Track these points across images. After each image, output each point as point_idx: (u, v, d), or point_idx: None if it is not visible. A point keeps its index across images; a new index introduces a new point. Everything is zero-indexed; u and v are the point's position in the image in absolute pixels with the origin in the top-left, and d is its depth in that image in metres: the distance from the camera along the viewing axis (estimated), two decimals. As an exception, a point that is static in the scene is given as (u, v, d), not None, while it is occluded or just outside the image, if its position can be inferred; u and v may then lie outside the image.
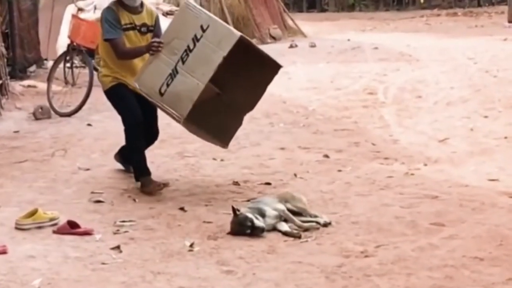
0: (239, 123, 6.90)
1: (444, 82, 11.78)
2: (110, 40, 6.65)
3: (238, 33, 6.18)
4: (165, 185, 6.60)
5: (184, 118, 6.22)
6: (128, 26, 6.71)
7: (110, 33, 6.63)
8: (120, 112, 6.82)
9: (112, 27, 6.63)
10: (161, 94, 6.30)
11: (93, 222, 5.85)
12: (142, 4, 6.86)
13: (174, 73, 6.27)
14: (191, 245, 5.29)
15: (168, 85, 6.27)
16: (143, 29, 6.81)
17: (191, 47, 6.24)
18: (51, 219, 5.76)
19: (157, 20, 6.94)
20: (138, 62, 6.71)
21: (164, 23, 13.12)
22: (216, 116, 6.80)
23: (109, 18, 6.66)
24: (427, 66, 13.41)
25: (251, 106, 6.90)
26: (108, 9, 6.73)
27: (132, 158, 6.83)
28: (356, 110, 10.12)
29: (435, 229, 5.55)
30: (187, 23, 6.33)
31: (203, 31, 6.22)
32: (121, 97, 6.75)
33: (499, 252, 5.06)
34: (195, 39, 6.24)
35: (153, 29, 6.85)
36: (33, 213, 5.76)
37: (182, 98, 6.21)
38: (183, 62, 6.25)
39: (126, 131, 6.74)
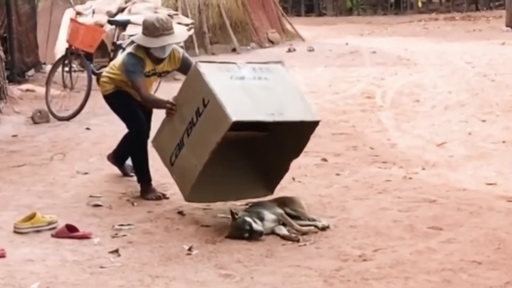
0: (285, 168, 6.25)
1: (442, 86, 11.80)
2: (133, 81, 6.43)
3: (231, 118, 5.44)
4: (164, 196, 6.59)
5: (185, 197, 5.95)
6: (150, 73, 6.60)
7: (135, 74, 6.41)
8: (124, 118, 6.78)
9: (135, 70, 6.41)
10: (171, 164, 5.97)
11: (91, 225, 5.85)
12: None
13: (181, 145, 5.84)
14: (190, 249, 5.29)
15: (176, 156, 5.90)
16: (163, 74, 6.78)
17: (194, 120, 5.73)
18: (50, 223, 5.76)
19: (183, 61, 6.67)
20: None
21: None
22: (260, 160, 6.27)
23: (136, 66, 6.40)
24: (425, 70, 13.43)
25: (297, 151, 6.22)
26: (135, 57, 6.44)
27: (136, 162, 6.83)
28: (354, 114, 10.13)
29: (433, 233, 5.56)
30: (194, 91, 5.78)
31: (204, 106, 5.65)
32: (125, 103, 6.72)
33: (497, 256, 5.07)
34: (198, 113, 5.70)
35: (180, 69, 6.69)
36: (31, 217, 5.76)
37: (185, 175, 5.85)
38: (188, 135, 5.78)
39: (132, 137, 6.75)
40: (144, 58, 6.48)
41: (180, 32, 6.96)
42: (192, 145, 5.75)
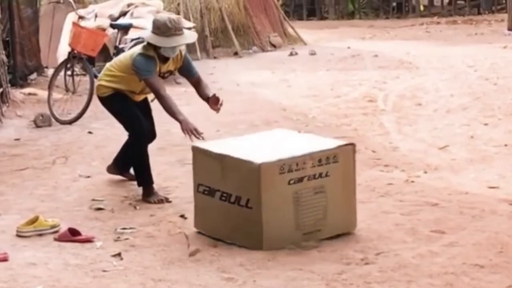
0: None
1: (444, 89, 11.80)
2: (147, 79, 6.42)
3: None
4: (167, 200, 6.60)
5: None
6: (162, 74, 6.66)
7: (148, 73, 6.40)
8: (124, 121, 6.80)
9: (149, 69, 6.40)
10: None
11: (93, 229, 5.86)
12: None
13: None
14: (192, 253, 5.29)
15: None
16: (166, 75, 6.77)
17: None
18: (52, 227, 5.77)
19: (185, 59, 6.72)
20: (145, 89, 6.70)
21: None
22: None
23: (151, 66, 6.40)
24: (427, 74, 13.43)
25: None
26: (148, 57, 6.42)
27: (137, 165, 6.83)
28: (356, 118, 10.13)
29: (435, 237, 5.56)
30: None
31: None
32: (124, 105, 6.73)
33: (499, 259, 5.07)
34: None
35: (181, 67, 6.73)
36: (34, 220, 5.77)
37: None
38: None
39: (133, 139, 6.76)
40: (155, 57, 6.48)
41: (190, 33, 7.00)
42: None
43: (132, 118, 6.73)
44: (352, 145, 5.68)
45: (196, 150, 5.81)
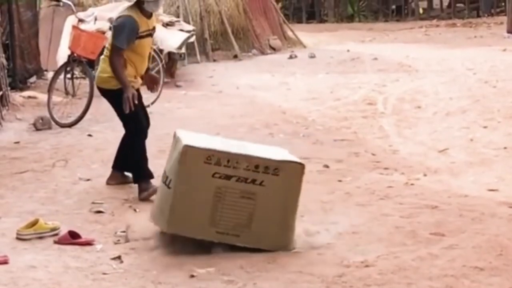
0: None
1: (443, 92, 11.81)
2: (118, 48, 6.72)
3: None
4: None
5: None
6: (146, 33, 6.86)
7: (122, 43, 6.71)
8: (127, 116, 6.85)
9: (127, 38, 6.70)
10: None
11: (93, 232, 5.86)
12: None
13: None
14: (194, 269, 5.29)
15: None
16: (152, 32, 7.02)
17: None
18: (52, 229, 5.77)
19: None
20: (143, 67, 6.97)
21: (164, 33, 13.15)
22: None
23: (129, 28, 6.71)
24: (426, 77, 13.44)
25: None
26: (129, 18, 6.74)
27: (136, 160, 6.89)
28: (355, 121, 10.14)
29: (435, 239, 5.56)
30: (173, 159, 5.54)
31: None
32: (141, 105, 6.97)
33: (499, 262, 5.08)
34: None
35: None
36: (34, 223, 5.78)
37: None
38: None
39: (134, 134, 6.86)
40: (138, 17, 6.74)
41: None
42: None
43: (134, 114, 6.81)
44: (301, 165, 5.41)
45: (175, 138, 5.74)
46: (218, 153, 5.27)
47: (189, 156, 5.27)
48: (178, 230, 5.32)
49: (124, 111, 6.77)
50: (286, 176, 5.32)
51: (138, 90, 6.97)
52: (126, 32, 6.71)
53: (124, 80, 6.72)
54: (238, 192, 5.29)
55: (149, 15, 6.89)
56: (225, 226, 5.31)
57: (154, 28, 7.05)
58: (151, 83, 7.30)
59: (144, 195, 6.68)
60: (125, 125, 6.97)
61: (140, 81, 7.08)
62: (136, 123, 6.85)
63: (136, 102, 6.71)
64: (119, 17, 6.89)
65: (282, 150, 5.77)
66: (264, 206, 5.31)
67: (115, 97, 6.86)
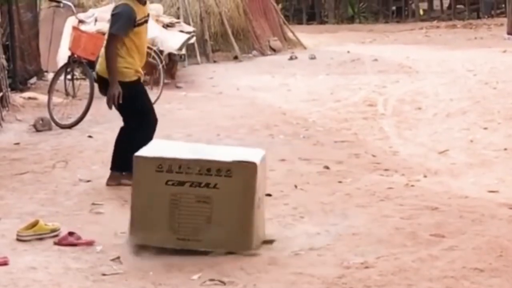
0: None
1: (444, 93, 11.81)
2: (115, 36, 6.84)
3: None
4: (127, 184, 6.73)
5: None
6: (143, 20, 6.99)
7: (120, 30, 6.85)
8: (138, 108, 7.01)
9: (124, 25, 6.83)
10: None
11: (94, 233, 5.85)
12: None
13: None
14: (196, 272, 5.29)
15: None
16: (147, 18, 7.15)
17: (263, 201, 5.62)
18: (52, 231, 5.77)
19: None
20: (143, 57, 7.13)
21: (164, 34, 13.14)
22: None
23: (126, 16, 6.84)
24: (427, 78, 13.44)
25: None
26: (126, 6, 6.88)
27: (123, 150, 6.95)
28: (356, 122, 10.14)
29: (435, 240, 5.56)
30: None
31: None
32: (144, 93, 7.15)
33: (499, 263, 5.08)
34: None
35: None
36: (34, 224, 5.77)
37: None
38: None
39: (134, 130, 6.95)
40: (135, 5, 6.88)
41: None
42: None
43: (147, 104, 7.11)
44: (253, 164, 5.32)
45: None
46: (169, 160, 5.30)
47: (140, 166, 5.35)
48: (141, 240, 5.37)
49: (138, 105, 6.97)
50: (239, 177, 5.30)
51: (139, 79, 7.12)
52: (124, 20, 6.85)
53: (114, 72, 6.85)
54: (193, 197, 5.30)
55: (144, 2, 7.05)
56: (184, 232, 5.32)
57: (148, 15, 7.19)
58: (150, 68, 7.67)
59: (109, 183, 6.98)
60: (128, 119, 7.00)
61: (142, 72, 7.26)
62: (148, 114, 7.04)
63: (121, 101, 6.86)
64: (116, 6, 7.03)
65: (254, 152, 5.70)
66: (220, 208, 5.30)
67: (131, 89, 6.96)
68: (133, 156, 5.40)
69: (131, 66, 6.99)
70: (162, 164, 5.28)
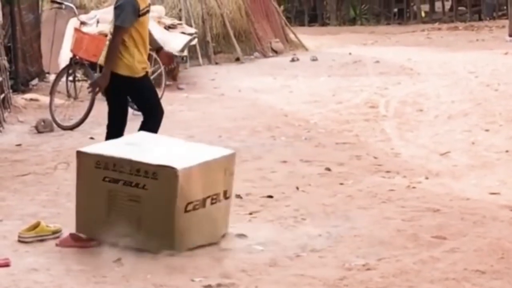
0: None
1: (445, 95, 11.81)
2: (121, 28, 6.86)
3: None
4: None
5: None
6: (145, 10, 7.02)
7: (125, 21, 6.87)
8: (148, 103, 7.11)
9: (129, 16, 6.86)
10: None
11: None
12: None
13: None
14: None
15: None
16: (149, 8, 7.16)
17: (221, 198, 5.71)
18: (54, 232, 5.77)
19: None
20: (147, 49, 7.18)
21: (166, 36, 13.14)
22: None
23: (130, 7, 6.86)
24: (428, 80, 13.44)
25: None
26: (131, 2, 6.88)
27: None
28: (357, 124, 10.15)
29: (436, 242, 5.56)
30: None
31: None
32: (151, 88, 7.23)
33: (501, 266, 5.08)
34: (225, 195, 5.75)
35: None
36: (35, 226, 5.78)
37: None
38: None
39: (153, 121, 7.05)
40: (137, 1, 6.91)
41: None
42: None
43: (156, 99, 7.20)
44: (174, 170, 5.32)
45: None
46: (106, 158, 5.50)
47: (81, 162, 5.59)
48: (85, 231, 5.59)
49: (148, 98, 7.07)
50: (164, 180, 5.36)
51: (147, 74, 7.20)
52: (128, 11, 6.87)
53: (110, 64, 6.88)
54: (126, 195, 5.45)
55: None
56: (120, 228, 5.43)
57: (149, 5, 7.21)
58: (167, 59, 8.06)
59: None
60: (149, 112, 7.13)
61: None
62: (157, 108, 7.12)
63: (102, 94, 7.07)
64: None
65: (203, 154, 5.74)
66: (148, 209, 5.41)
67: (139, 84, 7.03)
68: (76, 151, 5.69)
69: (140, 63, 7.03)
70: (100, 161, 5.50)
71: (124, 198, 5.46)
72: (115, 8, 7.00)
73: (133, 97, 7.22)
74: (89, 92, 7.10)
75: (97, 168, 5.49)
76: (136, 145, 5.80)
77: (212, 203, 5.56)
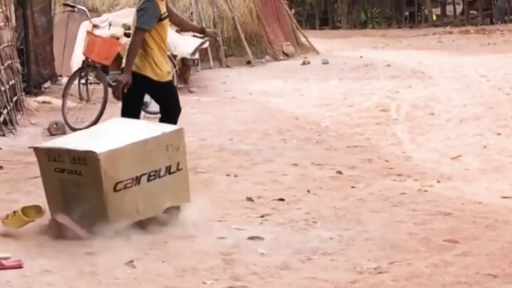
0: None
1: (457, 99, 11.80)
2: (142, 30, 6.94)
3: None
4: None
5: None
6: (165, 14, 7.09)
7: (146, 24, 6.94)
8: (172, 104, 7.23)
9: (150, 18, 6.93)
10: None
11: (107, 237, 5.86)
12: None
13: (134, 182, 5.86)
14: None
15: None
16: (167, 15, 7.21)
17: (162, 173, 5.96)
18: (35, 213, 5.98)
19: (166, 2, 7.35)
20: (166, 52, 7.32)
21: (177, 39, 13.14)
22: None
23: (152, 10, 6.94)
24: (440, 84, 13.43)
25: None
26: (151, 1, 6.95)
27: None
28: (368, 127, 10.15)
29: (448, 246, 5.56)
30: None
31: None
32: (175, 90, 7.43)
33: (513, 269, 5.07)
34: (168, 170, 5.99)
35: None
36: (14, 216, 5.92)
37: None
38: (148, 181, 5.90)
39: (170, 121, 7.06)
40: (157, 1, 6.98)
41: None
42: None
43: (177, 100, 7.30)
44: (94, 153, 5.63)
45: None
46: (52, 151, 5.91)
47: (38, 157, 6.02)
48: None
49: (168, 100, 7.17)
50: (91, 165, 5.69)
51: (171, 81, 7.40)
52: (150, 14, 6.94)
53: (130, 64, 6.97)
54: (71, 183, 5.82)
55: None
56: (73, 214, 5.76)
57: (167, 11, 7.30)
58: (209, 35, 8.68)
59: None
60: (168, 112, 7.23)
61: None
62: (177, 108, 7.25)
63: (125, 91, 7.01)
64: (141, 2, 7.05)
65: (163, 128, 6.20)
66: (86, 193, 5.76)
67: (166, 88, 7.16)
68: (33, 148, 6.16)
69: (165, 67, 7.16)
70: (50, 154, 5.90)
71: (71, 185, 5.83)
72: (138, 10, 7.06)
73: (156, 98, 7.42)
74: (114, 94, 7.14)
75: (49, 161, 5.89)
76: (98, 133, 6.20)
77: (149, 180, 5.86)
